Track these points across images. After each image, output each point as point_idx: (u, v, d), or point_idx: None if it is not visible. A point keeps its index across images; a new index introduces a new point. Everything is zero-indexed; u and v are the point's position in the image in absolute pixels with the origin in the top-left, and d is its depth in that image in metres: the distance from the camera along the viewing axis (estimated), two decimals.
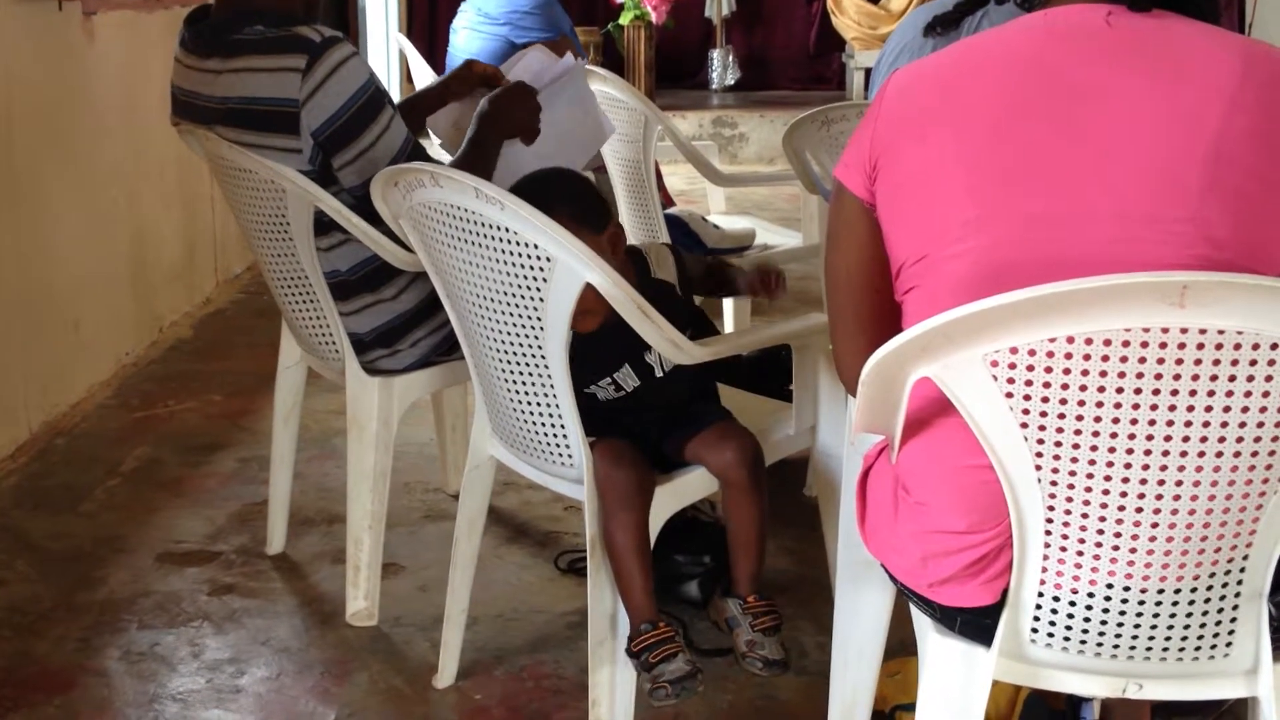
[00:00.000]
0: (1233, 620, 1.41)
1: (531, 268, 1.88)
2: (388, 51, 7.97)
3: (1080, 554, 1.39)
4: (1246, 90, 1.36)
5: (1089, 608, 1.42)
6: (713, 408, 2.19)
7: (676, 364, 2.09)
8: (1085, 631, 1.43)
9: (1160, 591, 1.39)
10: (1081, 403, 1.30)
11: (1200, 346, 1.24)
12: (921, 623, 1.59)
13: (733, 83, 9.07)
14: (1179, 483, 1.32)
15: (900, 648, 1.98)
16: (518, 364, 2.00)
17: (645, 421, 2.12)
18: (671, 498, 2.06)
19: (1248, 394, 1.26)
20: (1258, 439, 1.29)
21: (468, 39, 5.16)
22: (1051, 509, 1.38)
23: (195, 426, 3.59)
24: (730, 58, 9.08)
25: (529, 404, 2.03)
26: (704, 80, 9.20)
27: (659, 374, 2.15)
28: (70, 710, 2.25)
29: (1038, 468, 1.35)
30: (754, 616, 2.04)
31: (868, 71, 7.89)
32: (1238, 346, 1.24)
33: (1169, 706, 1.98)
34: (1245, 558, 1.38)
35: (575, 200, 2.05)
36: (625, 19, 8.49)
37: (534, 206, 1.84)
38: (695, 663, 1.94)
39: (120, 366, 3.99)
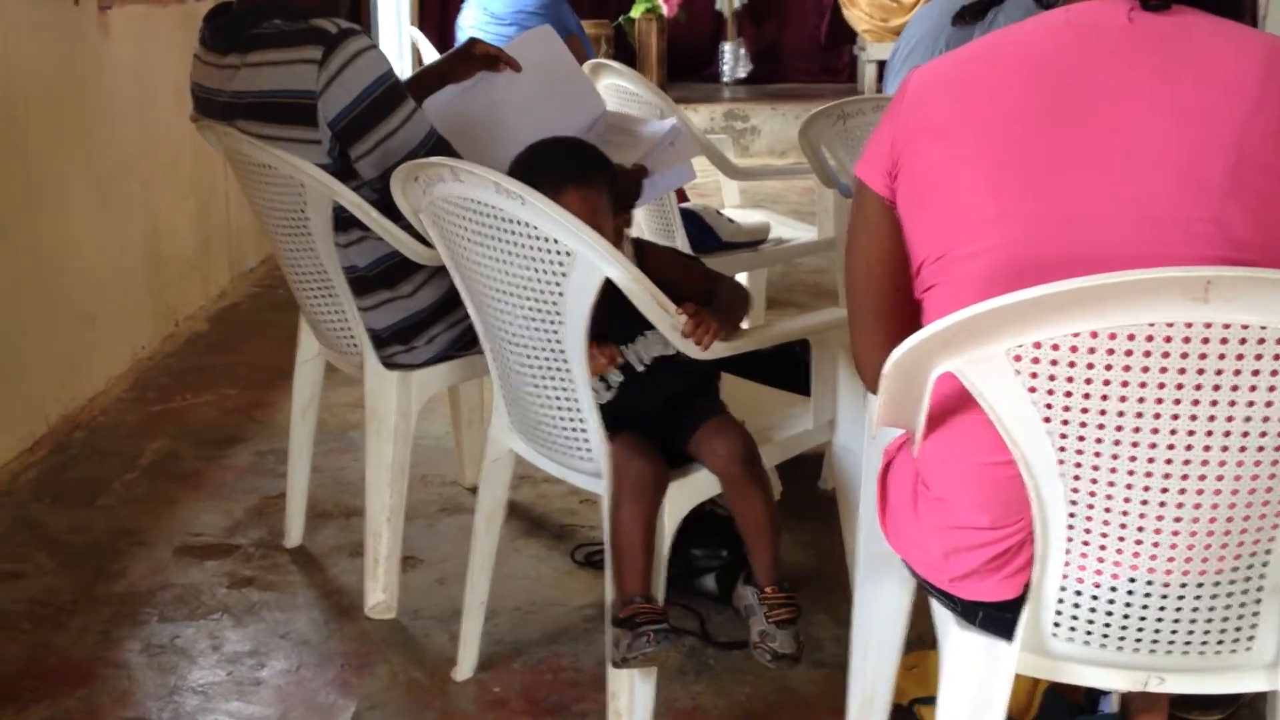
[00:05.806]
0: (1255, 614, 1.42)
1: (551, 262, 1.89)
2: (399, 43, 7.96)
3: (1103, 548, 1.39)
4: (1268, 90, 1.37)
5: (1111, 601, 1.42)
6: (709, 401, 2.17)
7: (675, 359, 2.08)
8: (1107, 625, 1.44)
9: (1183, 585, 1.39)
10: (1105, 397, 1.30)
11: (1224, 341, 1.25)
12: (942, 617, 1.60)
13: (744, 75, 9.06)
14: (1201, 477, 1.32)
15: (918, 641, 1.99)
16: (537, 358, 2.01)
17: (648, 413, 2.11)
18: (685, 494, 2.06)
19: (1270, 388, 1.27)
20: None
21: None
22: (1074, 504, 1.38)
23: (212, 420, 3.60)
24: (741, 50, 9.07)
25: (548, 398, 2.04)
26: (715, 73, 9.18)
27: (639, 369, 2.12)
28: (91, 702, 2.26)
29: (1060, 462, 1.36)
30: (769, 608, 2.04)
31: (880, 64, 7.89)
32: (1261, 341, 1.25)
33: (1187, 700, 1.99)
34: (1268, 551, 1.38)
35: (589, 171, 2.07)
36: (637, 12, 8.49)
37: (547, 179, 1.92)
38: (679, 629, 1.91)
39: (136, 360, 4.01)
